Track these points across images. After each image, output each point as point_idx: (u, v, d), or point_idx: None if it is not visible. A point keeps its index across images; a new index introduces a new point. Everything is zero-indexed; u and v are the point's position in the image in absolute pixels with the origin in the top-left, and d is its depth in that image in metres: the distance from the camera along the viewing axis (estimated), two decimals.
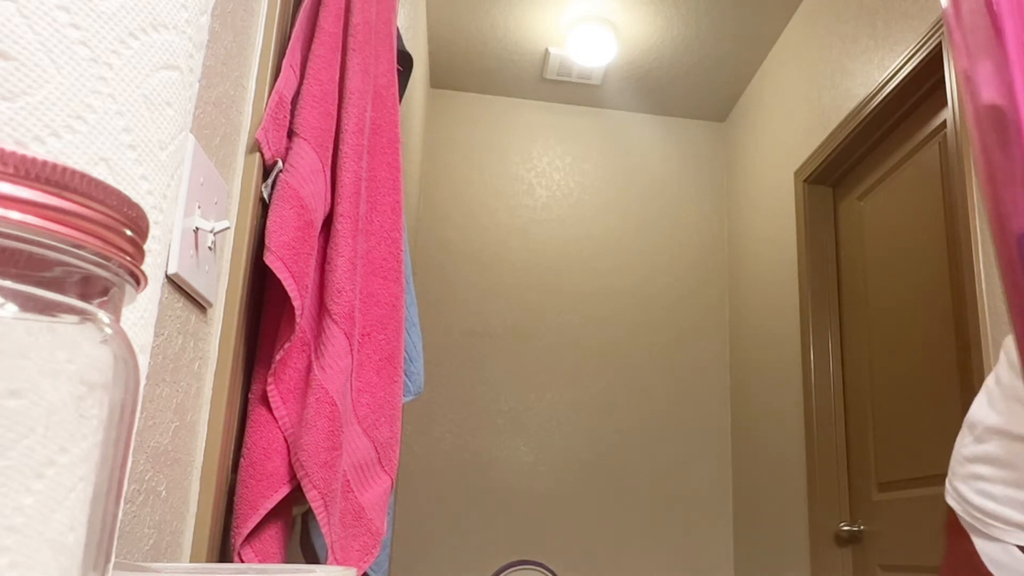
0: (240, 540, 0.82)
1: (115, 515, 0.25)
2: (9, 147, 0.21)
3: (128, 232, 0.24)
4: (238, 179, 0.87)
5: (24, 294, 0.22)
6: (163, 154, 0.38)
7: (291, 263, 0.86)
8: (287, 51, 0.94)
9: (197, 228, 0.72)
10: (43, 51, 0.33)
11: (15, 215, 0.21)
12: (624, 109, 3.71)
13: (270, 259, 0.85)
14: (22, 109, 0.32)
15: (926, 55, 2.12)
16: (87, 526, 0.24)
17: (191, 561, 0.76)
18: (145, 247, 0.26)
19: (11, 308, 0.21)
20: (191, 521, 0.78)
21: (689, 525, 3.27)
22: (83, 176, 0.22)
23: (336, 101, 0.98)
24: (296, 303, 0.86)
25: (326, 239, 0.97)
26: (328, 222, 0.97)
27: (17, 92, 0.32)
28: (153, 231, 0.38)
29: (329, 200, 0.96)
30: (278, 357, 0.88)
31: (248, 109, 0.89)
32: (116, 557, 0.59)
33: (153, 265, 0.38)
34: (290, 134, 0.93)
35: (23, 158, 0.21)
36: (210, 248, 0.76)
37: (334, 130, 0.97)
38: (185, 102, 0.41)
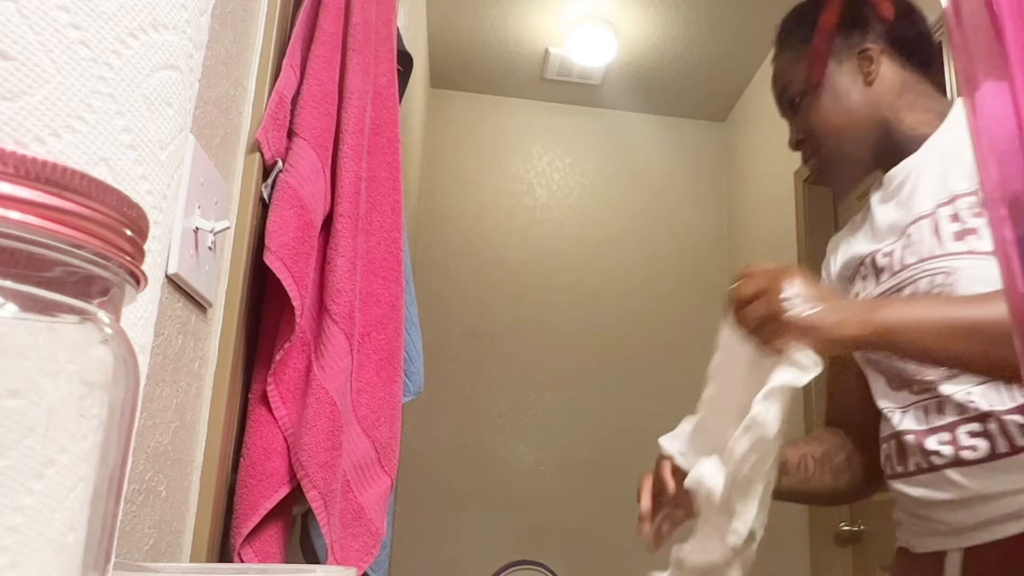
0: (240, 540, 0.83)
1: (115, 515, 0.25)
2: (9, 147, 0.21)
3: (128, 232, 0.24)
4: (238, 179, 0.87)
5: (24, 294, 0.22)
6: (163, 154, 0.38)
7: (291, 263, 0.86)
8: (287, 51, 0.94)
9: (197, 228, 0.72)
10: (43, 51, 0.33)
11: (15, 215, 0.21)
12: (624, 109, 3.71)
13: (270, 259, 0.85)
14: (22, 109, 0.32)
15: None
16: (87, 526, 0.24)
17: (191, 561, 0.76)
18: (145, 247, 0.26)
19: (11, 308, 0.21)
20: (191, 521, 0.78)
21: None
22: (83, 176, 0.22)
23: (336, 101, 0.98)
24: (296, 303, 0.86)
25: (326, 239, 0.97)
26: (328, 222, 0.97)
27: (17, 92, 0.32)
28: (153, 231, 0.38)
29: (329, 200, 0.96)
30: (278, 357, 0.88)
31: (248, 109, 0.89)
32: (116, 557, 0.58)
33: (153, 265, 0.38)
34: (290, 134, 0.93)
35: (23, 158, 0.21)
36: (210, 248, 0.76)
37: (334, 130, 0.97)
38: (185, 102, 0.41)
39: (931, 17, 2.12)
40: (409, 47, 1.54)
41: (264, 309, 0.94)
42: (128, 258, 0.24)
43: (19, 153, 0.21)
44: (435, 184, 3.56)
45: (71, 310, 0.23)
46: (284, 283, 0.85)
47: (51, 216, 0.21)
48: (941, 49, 1.10)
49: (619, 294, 3.50)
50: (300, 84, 0.94)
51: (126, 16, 0.36)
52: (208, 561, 0.78)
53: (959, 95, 1.96)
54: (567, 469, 3.25)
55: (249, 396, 0.90)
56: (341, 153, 0.96)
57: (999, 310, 0.71)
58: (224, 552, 0.84)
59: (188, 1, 0.40)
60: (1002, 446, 0.85)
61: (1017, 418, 0.84)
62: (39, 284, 0.22)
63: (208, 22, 0.44)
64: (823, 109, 1.04)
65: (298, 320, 0.86)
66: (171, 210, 0.41)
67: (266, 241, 0.86)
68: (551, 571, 2.68)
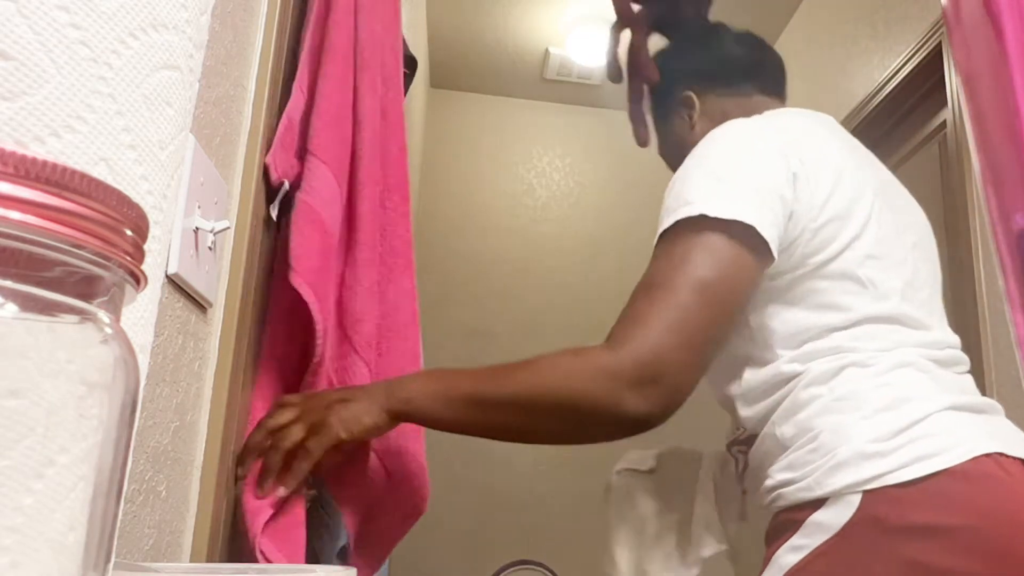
0: (258, 534, 0.82)
1: (115, 515, 0.25)
2: (9, 147, 0.21)
3: (128, 232, 0.24)
4: (238, 179, 0.87)
5: (24, 294, 0.22)
6: (163, 154, 0.38)
7: (317, 288, 0.86)
8: (296, 73, 0.93)
9: (197, 228, 0.72)
10: (43, 51, 0.33)
11: (15, 215, 0.21)
12: (624, 109, 3.71)
13: (297, 280, 0.84)
14: (22, 109, 0.32)
15: (926, 55, 2.12)
16: (87, 526, 0.24)
17: (191, 561, 0.76)
18: (145, 247, 0.26)
19: (11, 308, 0.21)
20: (191, 521, 0.78)
21: None
22: (83, 176, 0.22)
23: (351, 124, 0.98)
24: (319, 327, 0.85)
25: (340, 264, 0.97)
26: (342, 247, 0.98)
27: (17, 92, 0.32)
28: (153, 231, 0.38)
29: (343, 225, 0.97)
30: (308, 380, 0.88)
31: (248, 109, 0.89)
32: (116, 557, 0.59)
33: (153, 265, 0.38)
34: (302, 153, 0.92)
35: (23, 158, 0.21)
36: (210, 248, 0.76)
37: (350, 155, 0.97)
38: (185, 102, 0.41)
39: (931, 17, 2.13)
40: (409, 47, 1.54)
41: (269, 312, 0.94)
42: (128, 258, 0.24)
43: (19, 153, 0.21)
44: (435, 184, 3.56)
45: (71, 310, 0.23)
46: (311, 308, 0.85)
47: (51, 216, 0.21)
48: (749, 54, 1.14)
49: (619, 294, 3.48)
50: (311, 103, 0.94)
51: (126, 16, 0.36)
52: (208, 561, 0.78)
53: (959, 95, 1.96)
54: (567, 469, 3.25)
55: (253, 396, 0.90)
56: (358, 180, 0.96)
57: (510, 383, 0.87)
58: (224, 552, 0.84)
59: (188, 1, 0.40)
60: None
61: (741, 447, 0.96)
62: (39, 284, 0.22)
63: (208, 22, 0.44)
64: (671, 161, 1.10)
65: (319, 344, 0.86)
66: (171, 210, 0.41)
67: (292, 263, 0.85)
68: (551, 571, 2.68)
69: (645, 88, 1.15)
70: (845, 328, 0.86)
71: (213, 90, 0.76)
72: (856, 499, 0.77)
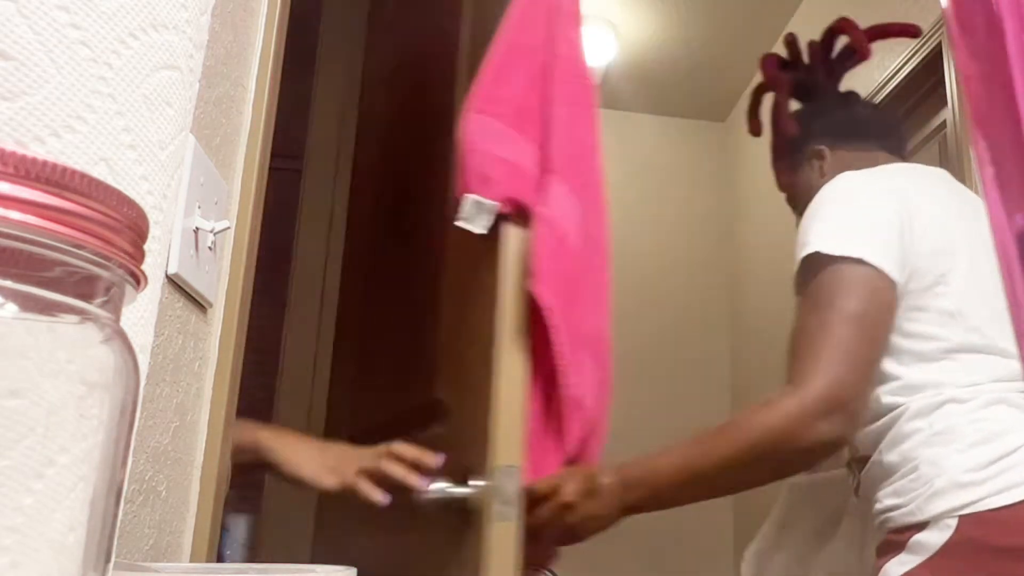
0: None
1: (115, 515, 0.25)
2: (9, 147, 0.21)
3: (128, 232, 0.24)
4: (238, 179, 0.87)
5: (24, 294, 0.22)
6: (163, 154, 0.38)
7: (559, 297, 0.95)
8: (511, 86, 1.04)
9: (197, 228, 0.72)
10: (43, 51, 0.33)
11: (15, 215, 0.21)
12: (624, 109, 3.71)
13: (538, 290, 0.94)
14: (22, 109, 0.32)
15: (926, 55, 2.12)
16: (87, 526, 0.24)
17: (191, 561, 0.77)
18: (145, 247, 0.26)
19: (11, 308, 0.21)
20: (191, 521, 0.78)
21: (688, 525, 3.27)
22: (83, 176, 0.22)
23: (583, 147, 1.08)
24: (557, 336, 0.95)
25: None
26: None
27: (17, 92, 0.32)
28: (153, 231, 0.38)
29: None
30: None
31: (248, 109, 0.89)
32: (116, 557, 0.58)
33: (153, 265, 0.38)
34: (543, 173, 1.00)
35: (23, 158, 0.21)
36: (210, 248, 0.76)
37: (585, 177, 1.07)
38: (185, 102, 0.41)
39: (931, 17, 2.13)
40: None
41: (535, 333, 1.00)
42: (128, 258, 0.24)
43: (19, 153, 0.21)
44: None
45: (71, 310, 0.23)
46: (547, 315, 0.94)
47: (51, 216, 0.21)
48: (875, 117, 1.35)
49: (619, 294, 3.48)
50: (547, 125, 1.01)
51: (126, 16, 0.36)
52: (208, 561, 0.78)
53: (959, 95, 1.96)
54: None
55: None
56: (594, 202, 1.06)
57: (717, 450, 0.98)
58: (222, 553, 0.84)
59: (188, 1, 0.40)
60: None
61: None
62: (39, 284, 0.22)
63: (208, 22, 0.44)
64: (800, 200, 1.28)
65: (559, 350, 0.95)
66: (171, 210, 0.41)
67: (533, 271, 0.94)
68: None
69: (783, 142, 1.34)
70: (937, 360, 0.97)
71: (213, 90, 0.76)
72: (953, 523, 0.88)
